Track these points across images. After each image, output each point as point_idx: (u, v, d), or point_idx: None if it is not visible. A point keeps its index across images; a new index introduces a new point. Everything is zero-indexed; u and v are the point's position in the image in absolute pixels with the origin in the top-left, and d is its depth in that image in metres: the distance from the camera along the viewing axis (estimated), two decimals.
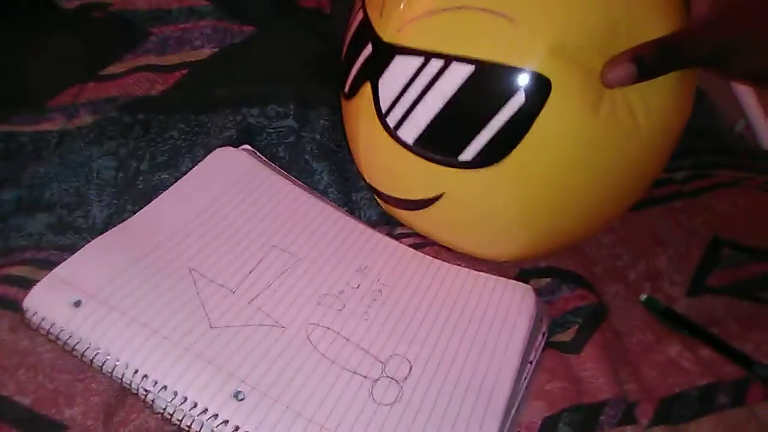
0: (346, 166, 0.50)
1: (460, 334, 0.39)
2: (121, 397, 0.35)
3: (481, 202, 0.38)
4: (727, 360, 0.44)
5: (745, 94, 0.69)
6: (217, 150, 0.46)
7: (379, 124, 0.38)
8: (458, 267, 0.44)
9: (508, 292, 0.42)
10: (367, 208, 0.48)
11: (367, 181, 0.44)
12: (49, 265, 0.37)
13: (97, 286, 0.35)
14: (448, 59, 0.34)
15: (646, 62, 0.33)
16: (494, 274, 0.44)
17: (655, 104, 0.36)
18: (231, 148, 0.46)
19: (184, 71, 0.51)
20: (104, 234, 0.38)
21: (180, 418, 0.32)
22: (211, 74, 0.51)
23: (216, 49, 0.53)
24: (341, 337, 0.38)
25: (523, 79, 0.33)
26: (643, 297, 0.47)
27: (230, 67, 0.52)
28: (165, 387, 0.33)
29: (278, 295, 0.39)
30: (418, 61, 0.35)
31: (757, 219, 0.54)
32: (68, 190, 0.42)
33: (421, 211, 0.41)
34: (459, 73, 0.34)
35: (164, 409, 0.32)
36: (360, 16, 0.40)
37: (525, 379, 0.39)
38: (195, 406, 0.32)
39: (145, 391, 0.33)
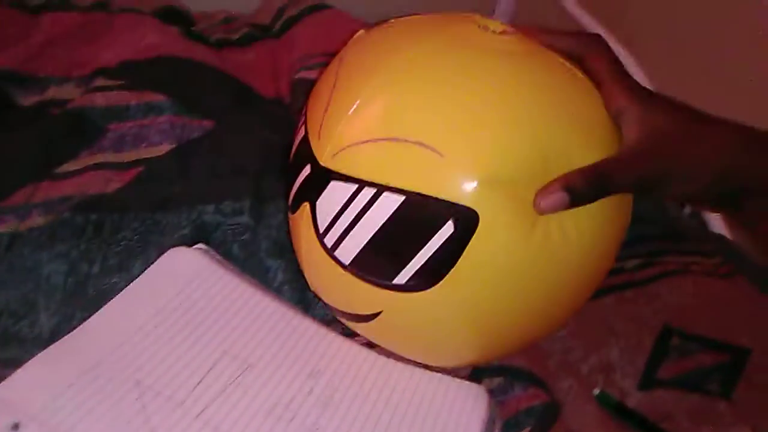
0: None
1: None
2: None
3: (418, 320, 0.39)
4: None
5: None
6: (170, 251, 0.46)
7: (318, 243, 0.39)
8: (412, 367, 0.44)
9: (461, 394, 0.42)
10: (321, 306, 0.48)
11: (313, 291, 0.44)
12: None
13: (38, 407, 0.35)
14: (380, 189, 0.35)
15: (577, 191, 0.34)
16: (448, 372, 0.45)
17: (588, 225, 0.37)
18: (184, 248, 0.46)
19: (140, 168, 0.51)
20: (48, 348, 0.38)
21: None
22: (168, 171, 0.52)
23: (173, 145, 0.53)
24: None
25: (451, 211, 0.34)
26: (596, 392, 0.48)
27: (187, 163, 0.52)
28: None
29: (227, 406, 0.38)
30: (351, 188, 0.36)
31: (704, 306, 0.55)
32: (16, 298, 0.42)
33: (363, 324, 0.42)
34: (389, 203, 0.35)
35: None
36: (301, 133, 0.41)
37: None
38: None
39: None
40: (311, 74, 0.61)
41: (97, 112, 0.54)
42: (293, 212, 0.41)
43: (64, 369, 0.37)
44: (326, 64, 0.42)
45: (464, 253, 0.35)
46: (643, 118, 0.36)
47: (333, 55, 0.42)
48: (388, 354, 0.45)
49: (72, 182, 0.50)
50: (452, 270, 0.35)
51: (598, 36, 0.40)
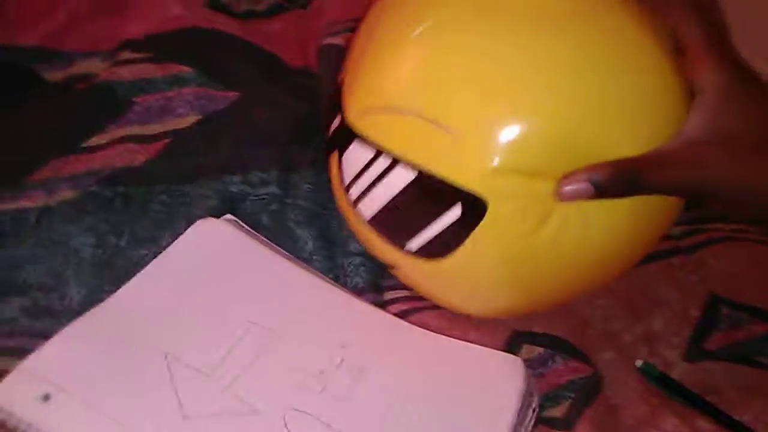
0: (332, 231, 0.49)
1: (445, 414, 0.38)
2: None
3: (428, 282, 0.40)
4: None
5: None
6: (198, 222, 0.45)
7: (344, 192, 0.39)
8: (446, 338, 0.43)
9: (498, 366, 0.41)
10: (354, 275, 0.47)
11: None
12: (22, 353, 0.36)
13: (68, 379, 0.35)
14: (395, 160, 0.34)
15: (603, 184, 0.31)
16: (485, 339, 0.43)
17: (611, 222, 0.34)
18: (212, 219, 0.46)
19: (167, 140, 0.51)
20: (77, 320, 0.38)
21: None
22: (194, 142, 0.51)
23: (200, 117, 0.53)
24: (320, 422, 0.36)
25: (459, 196, 0.33)
26: (639, 363, 0.46)
27: (213, 135, 0.52)
28: None
29: (256, 378, 0.38)
30: (371, 152, 0.36)
31: (756, 274, 0.52)
32: (45, 271, 0.42)
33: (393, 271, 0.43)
34: (403, 176, 0.34)
35: None
36: (340, 80, 0.40)
37: None
38: None
39: None
40: (337, 40, 0.59)
41: (124, 85, 0.53)
42: (328, 154, 0.42)
43: (94, 341, 0.37)
44: (353, 31, 0.41)
45: (470, 236, 0.34)
46: (716, 110, 0.30)
47: (360, 21, 0.41)
48: (420, 325, 0.43)
49: (99, 156, 0.49)
50: (458, 249, 0.35)
51: None
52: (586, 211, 0.33)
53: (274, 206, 0.49)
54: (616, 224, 0.34)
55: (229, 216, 0.47)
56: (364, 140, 0.36)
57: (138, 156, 0.50)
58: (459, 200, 0.33)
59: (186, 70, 0.55)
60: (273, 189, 0.49)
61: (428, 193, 0.34)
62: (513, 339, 0.44)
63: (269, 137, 0.52)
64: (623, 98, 0.32)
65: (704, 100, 0.31)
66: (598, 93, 0.32)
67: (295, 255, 0.47)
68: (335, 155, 0.39)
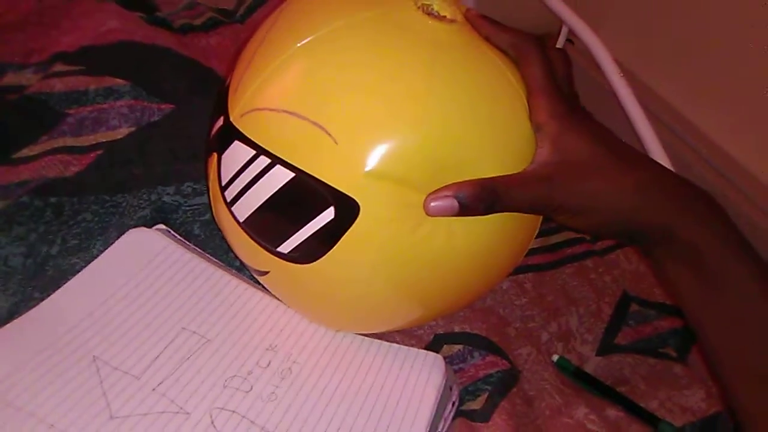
0: None
1: (367, 409, 0.40)
2: None
3: (298, 288, 0.41)
4: (635, 419, 0.46)
5: (655, 147, 0.72)
6: (130, 231, 0.46)
7: (220, 194, 0.39)
8: (369, 339, 0.45)
9: (418, 363, 0.43)
10: None
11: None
12: None
13: None
14: (274, 160, 0.35)
15: (466, 202, 0.34)
16: (408, 342, 0.45)
17: (478, 232, 0.36)
18: (144, 228, 0.47)
19: (99, 152, 0.51)
20: (6, 325, 0.38)
21: None
22: (127, 154, 0.52)
23: (133, 129, 0.54)
24: (246, 420, 0.38)
25: (333, 198, 0.34)
26: (555, 358, 0.49)
27: (146, 146, 0.53)
28: None
29: (184, 379, 0.39)
30: (250, 152, 0.36)
31: None
32: None
33: (262, 278, 0.43)
34: (280, 176, 0.35)
35: None
36: (227, 83, 0.41)
37: None
38: None
39: None
40: None
41: (56, 97, 0.54)
42: (206, 158, 0.42)
43: (23, 345, 0.38)
44: None
45: (343, 238, 0.35)
46: (556, 140, 0.35)
47: None
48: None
49: (30, 167, 0.49)
50: (330, 252, 0.36)
51: (536, 38, 0.38)
52: (450, 222, 0.35)
53: (206, 216, 0.50)
54: (478, 237, 0.37)
55: (161, 226, 0.48)
56: (245, 140, 0.37)
57: (70, 167, 0.50)
58: (333, 203, 0.35)
59: (120, 83, 0.56)
60: (205, 200, 0.50)
61: (304, 195, 0.35)
62: (434, 341, 0.47)
63: (202, 149, 0.53)
64: (492, 125, 0.35)
65: (545, 135, 0.36)
66: (470, 118, 0.35)
67: (226, 264, 0.48)
68: (214, 157, 0.40)
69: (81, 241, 0.46)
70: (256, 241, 0.38)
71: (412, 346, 0.45)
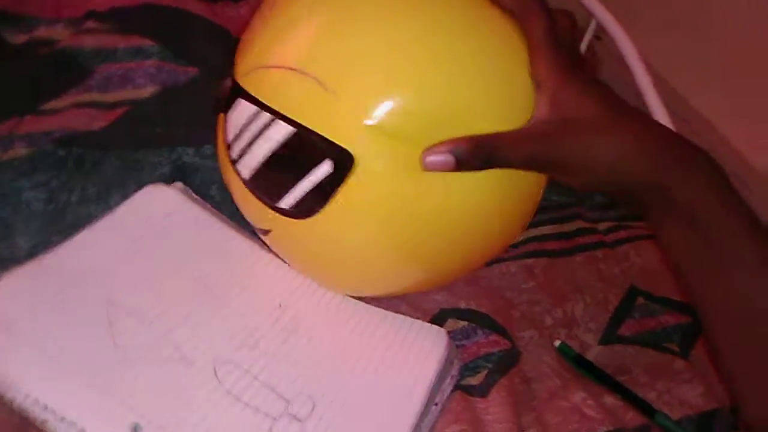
0: None
1: (368, 375, 0.41)
2: (23, 429, 0.35)
3: (298, 245, 0.41)
4: (631, 408, 0.46)
5: None
6: (149, 186, 0.47)
7: (226, 152, 0.40)
8: (376, 308, 0.45)
9: (421, 334, 0.44)
10: None
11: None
12: None
13: (9, 318, 0.36)
14: (275, 116, 0.36)
15: (462, 157, 0.34)
16: (414, 315, 0.46)
17: (478, 191, 0.36)
18: (162, 184, 0.48)
19: (125, 108, 0.52)
20: (24, 265, 0.39)
21: None
22: (151, 113, 0.53)
23: (159, 89, 0.54)
24: (249, 374, 0.39)
25: (330, 151, 0.35)
26: (557, 343, 0.49)
27: (170, 107, 0.53)
28: (63, 419, 0.33)
29: (192, 330, 0.40)
30: (252, 109, 0.37)
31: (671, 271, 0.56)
32: None
33: (265, 237, 0.43)
34: (281, 132, 0.36)
35: None
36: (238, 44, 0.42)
37: (429, 420, 0.40)
38: None
39: (46, 422, 0.33)
40: None
41: (86, 52, 0.55)
42: (216, 115, 0.43)
43: (38, 285, 0.39)
44: None
45: (339, 192, 0.36)
46: (555, 96, 0.35)
47: None
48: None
49: (56, 118, 0.51)
50: (327, 206, 0.36)
51: None
52: (448, 180, 0.35)
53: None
54: (476, 196, 0.37)
55: (179, 183, 0.49)
56: (248, 98, 0.37)
57: (96, 122, 0.51)
58: (331, 156, 0.35)
59: (149, 43, 0.56)
60: None
61: (302, 149, 0.36)
62: (440, 314, 0.47)
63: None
64: (492, 81, 0.36)
65: (544, 91, 0.35)
66: (469, 74, 0.35)
67: (241, 226, 0.49)
68: (221, 117, 0.41)
69: (100, 192, 0.47)
70: (258, 198, 0.39)
71: (418, 318, 0.45)
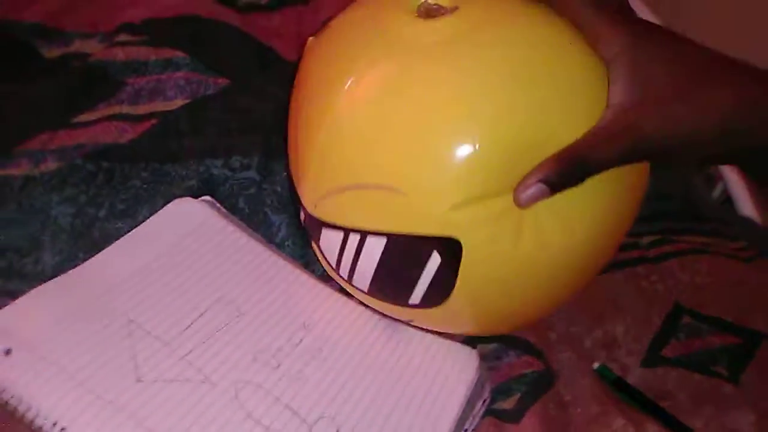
0: None
1: (394, 398, 0.39)
2: None
3: (446, 322, 0.41)
4: None
5: None
6: (176, 200, 0.47)
7: (336, 272, 0.41)
8: (405, 326, 0.44)
9: (451, 355, 0.42)
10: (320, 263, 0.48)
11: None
12: None
13: (31, 335, 0.36)
14: (363, 234, 0.36)
15: (553, 180, 0.31)
16: (444, 334, 0.44)
17: (578, 211, 0.34)
18: (190, 198, 0.47)
19: (154, 121, 0.52)
20: (47, 283, 0.39)
21: None
22: (180, 125, 0.53)
23: (188, 100, 0.54)
24: (271, 396, 0.38)
25: (432, 244, 0.34)
26: (596, 365, 0.47)
27: (199, 118, 0.53)
28: None
29: (214, 350, 0.39)
30: (340, 234, 0.37)
31: (720, 287, 0.53)
32: (22, 236, 0.43)
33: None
34: (376, 245, 0.36)
35: None
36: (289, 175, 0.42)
37: None
38: None
39: None
40: None
41: (117, 65, 0.55)
42: (310, 243, 0.43)
43: (61, 302, 0.38)
44: None
45: (459, 274, 0.35)
46: (633, 71, 0.31)
47: None
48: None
49: (87, 131, 0.51)
50: (454, 289, 0.36)
51: None
52: (558, 211, 0.34)
53: (251, 190, 0.50)
54: (591, 213, 0.35)
55: (207, 197, 0.49)
56: (330, 226, 0.37)
57: (125, 134, 0.52)
58: (434, 248, 0.34)
59: (179, 54, 0.57)
60: (252, 174, 0.51)
61: (404, 254, 0.35)
62: (469, 337, 0.45)
63: (254, 124, 0.54)
64: (556, 90, 0.33)
65: (616, 69, 0.32)
66: (533, 94, 0.33)
67: (267, 240, 0.48)
68: (314, 244, 0.41)
69: (128, 207, 0.47)
70: (387, 302, 0.40)
71: (448, 338, 0.44)
